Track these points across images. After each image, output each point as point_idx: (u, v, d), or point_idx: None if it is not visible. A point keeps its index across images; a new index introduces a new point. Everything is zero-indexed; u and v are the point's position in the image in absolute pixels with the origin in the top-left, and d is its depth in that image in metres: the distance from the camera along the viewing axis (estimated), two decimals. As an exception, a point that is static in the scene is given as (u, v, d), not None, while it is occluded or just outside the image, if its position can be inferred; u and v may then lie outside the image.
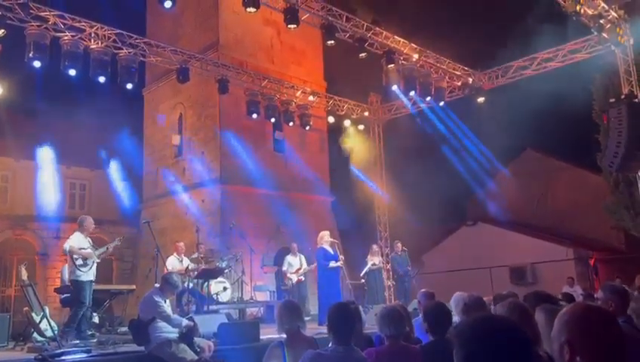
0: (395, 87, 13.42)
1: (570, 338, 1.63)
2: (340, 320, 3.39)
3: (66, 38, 10.17)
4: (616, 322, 1.69)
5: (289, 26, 10.72)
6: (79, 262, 7.92)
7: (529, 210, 21.61)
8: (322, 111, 16.69)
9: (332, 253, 10.27)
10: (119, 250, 20.94)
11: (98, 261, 8.31)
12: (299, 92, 15.25)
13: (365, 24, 11.83)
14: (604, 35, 11.05)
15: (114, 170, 19.84)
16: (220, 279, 11.71)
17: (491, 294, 5.25)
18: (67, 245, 7.95)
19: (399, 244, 13.65)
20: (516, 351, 1.51)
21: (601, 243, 20.21)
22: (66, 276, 9.20)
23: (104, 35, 10.72)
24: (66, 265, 9.30)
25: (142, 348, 5.97)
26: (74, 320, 7.93)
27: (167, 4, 9.66)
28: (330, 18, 11.31)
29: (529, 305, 3.35)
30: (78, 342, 7.59)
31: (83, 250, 8.02)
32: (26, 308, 8.15)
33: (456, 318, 4.24)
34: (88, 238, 8.25)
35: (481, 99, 14.43)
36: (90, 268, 8.09)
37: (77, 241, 8.07)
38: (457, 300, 4.56)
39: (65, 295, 9.29)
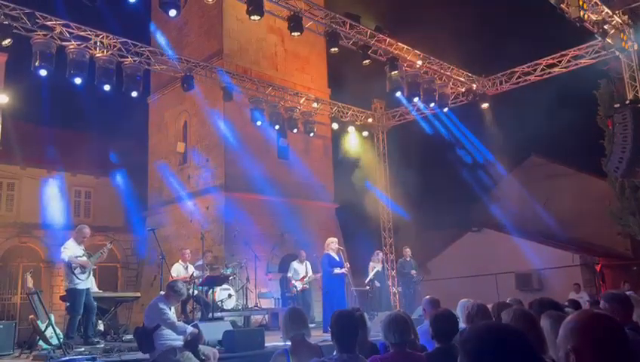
0: (398, 94, 13.43)
1: (576, 346, 1.62)
2: (343, 327, 3.38)
3: (71, 46, 10.25)
4: (623, 329, 1.68)
5: (293, 33, 10.77)
6: (78, 270, 8.01)
7: (534, 215, 21.52)
8: (326, 117, 16.72)
9: (337, 259, 10.25)
10: (124, 258, 21.03)
11: (94, 267, 8.43)
12: (303, 99, 15.30)
13: (369, 31, 11.86)
14: (609, 40, 11.04)
15: (119, 177, 19.91)
16: (224, 286, 11.71)
17: (497, 301, 5.22)
18: (65, 255, 8.07)
19: (407, 250, 13.60)
20: (520, 359, 1.50)
21: (607, 249, 20.09)
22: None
23: (109, 44, 10.80)
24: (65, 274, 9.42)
25: (147, 356, 5.96)
26: (72, 329, 7.99)
27: (172, 13, 9.71)
28: (333, 25, 11.35)
29: (534, 312, 3.33)
30: (83, 349, 7.61)
31: (79, 258, 8.16)
32: (31, 316, 8.17)
33: (462, 325, 4.22)
34: (82, 246, 8.36)
35: (485, 105, 14.43)
36: (88, 276, 8.22)
37: (72, 250, 8.20)
38: (463, 307, 4.54)
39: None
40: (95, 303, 8.54)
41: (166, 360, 5.71)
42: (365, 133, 16.67)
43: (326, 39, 11.84)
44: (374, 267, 12.71)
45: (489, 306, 4.29)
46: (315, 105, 15.51)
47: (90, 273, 8.26)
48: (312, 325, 9.18)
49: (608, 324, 1.66)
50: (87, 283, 8.23)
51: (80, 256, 8.19)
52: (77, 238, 8.37)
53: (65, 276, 8.47)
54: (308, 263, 12.55)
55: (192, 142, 18.82)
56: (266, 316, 13.31)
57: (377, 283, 12.59)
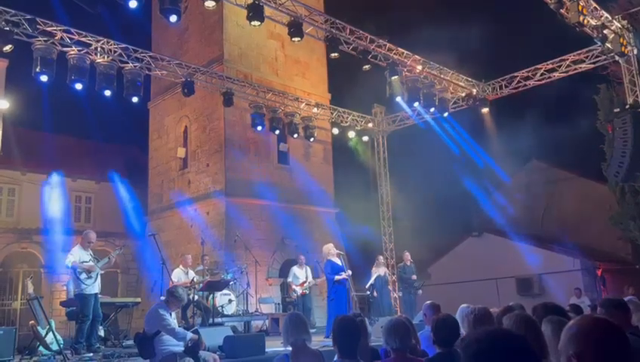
0: (398, 99, 13.45)
1: (578, 351, 1.62)
2: (344, 333, 3.37)
3: (72, 52, 10.27)
4: (624, 334, 1.68)
5: (293, 39, 10.79)
6: (83, 275, 8.02)
7: (535, 220, 21.51)
8: (326, 123, 16.75)
9: (340, 264, 10.20)
10: (125, 263, 20.99)
11: (102, 272, 8.43)
12: (303, 104, 15.31)
13: (369, 36, 11.88)
14: (608, 45, 11.06)
15: (119, 182, 19.91)
16: (225, 291, 11.70)
17: (497, 305, 5.21)
18: (68, 261, 8.12)
19: (407, 254, 13.59)
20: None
21: (607, 253, 20.06)
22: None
23: (110, 50, 10.83)
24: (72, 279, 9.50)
25: (147, 362, 5.96)
26: (81, 334, 7.99)
27: (173, 19, 9.72)
28: (333, 31, 11.37)
29: (537, 316, 3.32)
30: (83, 355, 7.60)
31: (85, 264, 8.17)
32: (31, 322, 8.17)
33: (463, 330, 4.20)
34: (89, 251, 8.40)
35: (485, 110, 14.45)
36: (95, 280, 8.23)
37: (77, 255, 8.22)
38: (463, 312, 4.52)
39: (71, 308, 9.33)
40: (101, 311, 8.54)
41: (166, 366, 5.69)
42: (365, 138, 16.69)
43: (326, 44, 11.85)
44: (376, 272, 12.69)
45: (492, 311, 4.27)
46: (315, 110, 15.52)
47: (96, 278, 8.28)
48: (313, 330, 9.17)
49: (610, 329, 1.66)
50: (95, 288, 8.26)
51: (86, 261, 8.23)
52: (83, 244, 8.45)
53: (72, 282, 8.53)
54: (308, 268, 12.52)
55: (192, 148, 18.85)
56: (267, 321, 13.29)
57: (375, 294, 12.56)
